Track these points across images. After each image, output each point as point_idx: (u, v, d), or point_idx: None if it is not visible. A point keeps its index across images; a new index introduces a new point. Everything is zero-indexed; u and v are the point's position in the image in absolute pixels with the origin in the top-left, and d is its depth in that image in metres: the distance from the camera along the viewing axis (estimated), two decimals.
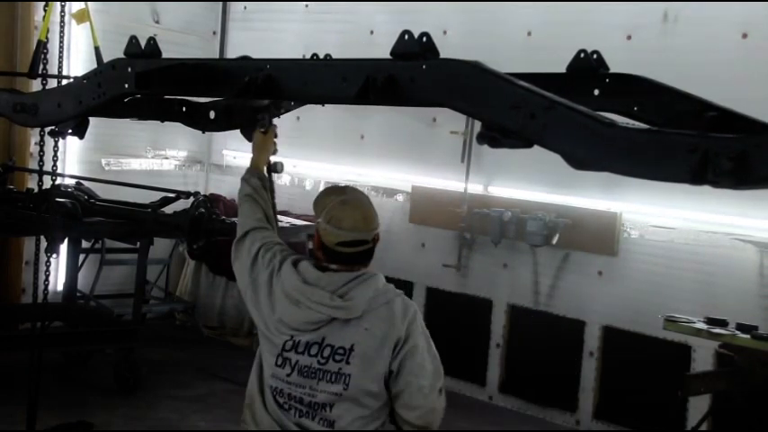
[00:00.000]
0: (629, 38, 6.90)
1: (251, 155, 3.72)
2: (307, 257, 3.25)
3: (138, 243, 7.24)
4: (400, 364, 3.08)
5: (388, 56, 2.66)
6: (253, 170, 3.64)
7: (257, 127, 3.69)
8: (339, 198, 3.19)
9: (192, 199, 6.81)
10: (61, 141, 4.57)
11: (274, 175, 3.81)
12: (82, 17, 7.38)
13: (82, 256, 7.80)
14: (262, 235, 3.37)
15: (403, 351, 3.10)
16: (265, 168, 3.75)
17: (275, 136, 3.78)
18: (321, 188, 8.95)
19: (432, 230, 8.09)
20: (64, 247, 7.25)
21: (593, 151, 2.24)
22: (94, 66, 5.43)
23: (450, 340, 8.09)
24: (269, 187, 3.63)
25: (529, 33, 7.48)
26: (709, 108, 2.82)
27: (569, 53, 3.08)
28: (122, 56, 3.39)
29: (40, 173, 4.88)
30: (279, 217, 8.91)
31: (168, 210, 6.90)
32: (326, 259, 3.15)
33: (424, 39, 2.59)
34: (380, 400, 3.10)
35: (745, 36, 6.38)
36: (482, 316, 7.79)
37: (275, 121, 3.79)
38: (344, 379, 3.05)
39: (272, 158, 3.80)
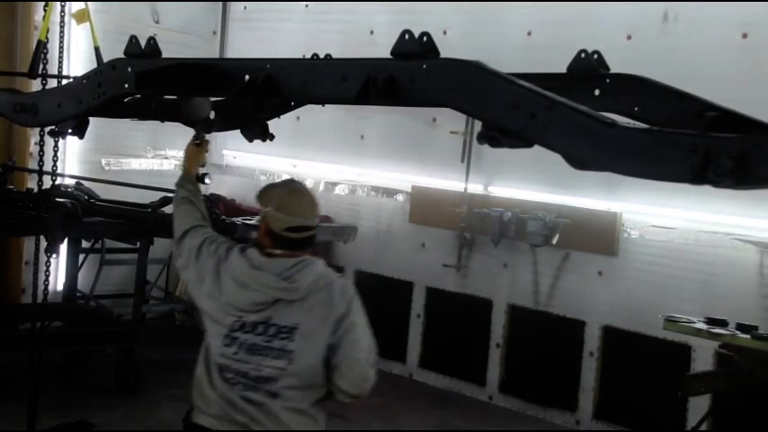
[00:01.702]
0: (629, 38, 6.90)
1: (184, 163, 4.04)
2: (251, 246, 3.50)
3: (138, 243, 7.24)
4: (339, 339, 3.34)
5: (388, 56, 2.66)
6: (186, 176, 3.93)
7: (192, 139, 3.97)
8: (287, 188, 3.52)
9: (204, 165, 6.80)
10: (61, 141, 4.57)
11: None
12: (82, 17, 7.37)
13: (82, 256, 7.80)
14: (202, 231, 3.66)
15: (342, 328, 3.36)
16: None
17: (206, 150, 4.08)
18: (321, 188, 9.03)
19: (431, 230, 8.08)
20: (64, 247, 7.25)
21: (593, 151, 2.24)
22: (94, 66, 5.43)
23: (450, 340, 8.11)
24: (200, 192, 3.89)
25: (529, 33, 7.48)
26: (709, 108, 2.82)
27: (569, 53, 3.09)
28: (122, 56, 3.39)
29: (40, 173, 4.88)
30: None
31: (168, 210, 6.90)
32: (272, 245, 3.41)
33: (425, 39, 2.59)
34: (320, 374, 3.35)
35: (745, 36, 6.38)
36: (482, 316, 7.79)
37: (275, 120, 3.78)
38: (288, 355, 3.32)
39: (201, 170, 4.07)
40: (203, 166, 4.04)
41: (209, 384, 3.42)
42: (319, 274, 3.41)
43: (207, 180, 4.11)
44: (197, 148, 3.99)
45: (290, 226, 3.40)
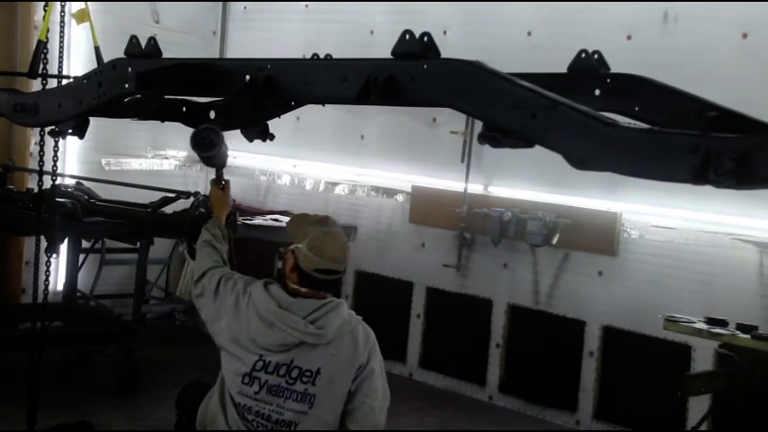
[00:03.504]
0: (629, 38, 6.90)
1: (214, 207, 4.16)
2: (273, 281, 3.53)
3: (138, 243, 7.23)
4: (358, 386, 3.41)
5: (388, 56, 2.66)
6: (215, 221, 4.00)
7: (214, 184, 4.09)
8: (323, 228, 3.51)
9: (191, 199, 6.80)
10: (61, 141, 4.57)
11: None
12: (82, 17, 7.37)
13: (82, 256, 7.79)
14: (220, 270, 3.70)
15: (362, 375, 3.42)
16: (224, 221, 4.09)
17: (229, 191, 4.18)
18: (321, 188, 9.03)
19: (431, 230, 8.08)
20: (64, 247, 7.24)
21: (594, 151, 2.25)
22: (94, 66, 5.44)
23: (449, 340, 8.10)
24: (229, 238, 3.94)
25: (529, 33, 7.47)
26: (709, 108, 2.82)
27: (570, 53, 3.09)
28: (122, 56, 3.39)
29: (40, 173, 4.87)
30: (279, 217, 8.92)
31: (168, 210, 6.90)
32: (299, 282, 3.44)
33: (425, 38, 2.60)
34: (338, 420, 3.40)
35: (745, 36, 6.38)
36: (482, 316, 7.79)
37: (275, 120, 3.79)
38: (310, 399, 3.35)
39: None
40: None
41: (224, 421, 3.42)
42: (344, 320, 3.42)
43: (238, 222, 4.30)
44: (221, 192, 4.07)
45: (319, 268, 3.40)
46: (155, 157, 9.53)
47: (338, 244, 3.49)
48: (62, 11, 5.35)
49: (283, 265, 3.52)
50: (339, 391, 3.38)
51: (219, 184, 4.07)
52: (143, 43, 3.36)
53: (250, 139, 3.78)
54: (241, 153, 9.43)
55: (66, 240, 7.04)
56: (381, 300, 8.48)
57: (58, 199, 6.27)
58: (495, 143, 2.47)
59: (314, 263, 3.39)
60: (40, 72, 5.11)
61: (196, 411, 3.72)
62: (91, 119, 3.76)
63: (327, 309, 3.38)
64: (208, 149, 3.73)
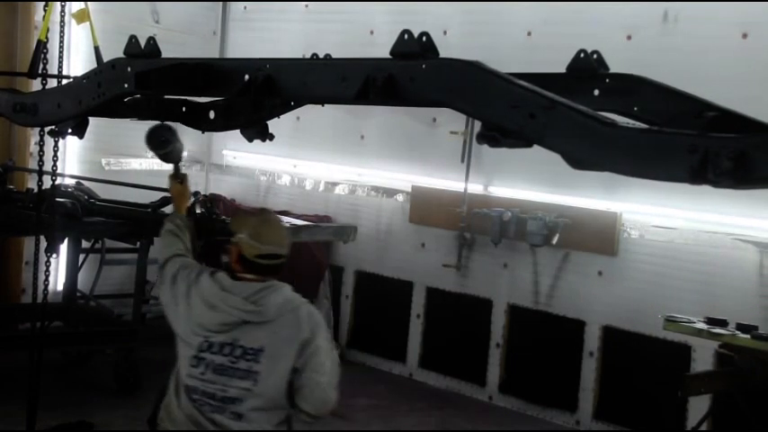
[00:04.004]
0: (629, 38, 6.90)
1: (172, 203, 4.24)
2: (222, 270, 3.67)
3: (138, 243, 7.23)
4: (304, 363, 3.48)
5: (388, 56, 2.65)
6: (176, 213, 4.14)
7: (174, 179, 4.17)
8: (260, 217, 3.75)
9: (192, 199, 6.80)
10: (61, 141, 4.57)
11: None
12: (82, 17, 7.37)
13: (82, 256, 7.79)
14: (181, 260, 3.80)
15: (307, 352, 3.49)
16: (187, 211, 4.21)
17: (188, 184, 4.27)
18: (321, 188, 9.03)
19: (431, 230, 8.08)
20: (64, 247, 7.24)
21: (593, 151, 2.24)
22: (94, 66, 5.43)
23: (450, 340, 8.10)
24: (191, 228, 4.05)
25: (529, 33, 7.48)
26: (709, 108, 2.82)
27: (569, 53, 3.09)
28: (122, 56, 3.39)
29: (40, 173, 4.88)
30: (278, 217, 8.89)
31: (168, 210, 6.90)
32: (243, 270, 3.59)
33: (424, 38, 2.59)
34: (284, 396, 3.49)
35: (745, 36, 6.38)
36: (482, 316, 7.79)
37: (275, 120, 3.78)
38: (254, 376, 3.46)
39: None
40: (194, 196, 4.33)
41: (177, 406, 3.57)
42: (286, 299, 3.57)
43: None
44: (181, 186, 4.18)
45: (261, 253, 3.56)
46: (155, 157, 9.51)
47: (276, 230, 3.69)
48: (62, 11, 5.37)
49: (229, 258, 3.67)
50: (282, 367, 3.47)
51: (177, 178, 4.18)
52: (143, 43, 3.36)
53: (250, 139, 3.77)
54: (241, 153, 9.46)
55: (66, 240, 7.04)
56: (381, 300, 8.49)
57: (57, 199, 6.28)
58: (494, 143, 2.47)
59: (255, 249, 3.55)
60: (39, 72, 5.12)
61: None
62: (91, 119, 3.76)
63: (268, 290, 3.53)
64: (163, 147, 3.95)
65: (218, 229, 6.61)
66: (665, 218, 6.76)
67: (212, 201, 7.21)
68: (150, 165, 9.45)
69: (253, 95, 3.02)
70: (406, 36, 2.61)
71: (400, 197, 8.36)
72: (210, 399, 3.49)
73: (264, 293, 3.52)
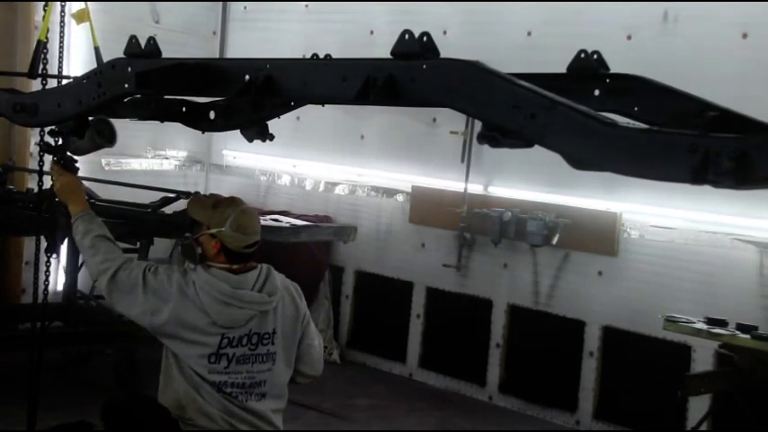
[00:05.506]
0: (629, 38, 6.90)
1: (66, 201, 4.03)
2: (199, 264, 3.70)
3: (138, 243, 7.23)
4: (303, 333, 3.84)
5: (388, 56, 2.65)
6: (82, 211, 3.91)
7: (60, 170, 3.94)
8: (239, 208, 3.75)
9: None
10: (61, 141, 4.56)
11: None
12: (82, 17, 7.37)
13: (82, 257, 7.78)
14: (137, 264, 3.78)
15: (304, 322, 3.86)
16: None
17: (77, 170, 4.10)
18: (321, 188, 9.02)
19: (431, 230, 8.08)
20: (64, 247, 7.24)
21: (593, 151, 2.24)
22: (94, 66, 5.43)
23: (450, 340, 8.10)
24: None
25: (529, 33, 7.48)
26: (709, 108, 2.82)
27: (569, 53, 3.08)
28: (122, 56, 3.38)
29: (40, 173, 4.87)
30: (279, 217, 8.91)
31: (168, 210, 6.90)
32: (228, 261, 3.68)
33: (425, 38, 2.59)
34: (288, 378, 3.85)
35: (745, 36, 6.38)
36: (482, 316, 7.79)
37: (275, 120, 3.78)
38: (272, 357, 3.73)
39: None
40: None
41: (206, 402, 3.63)
42: (279, 279, 3.78)
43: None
44: (70, 176, 3.97)
45: (248, 244, 3.68)
46: (155, 157, 9.53)
47: (253, 218, 3.81)
48: (62, 11, 5.35)
49: (203, 251, 3.70)
50: (291, 343, 3.78)
51: (66, 167, 3.99)
52: (143, 43, 3.36)
53: (250, 140, 3.77)
54: (241, 153, 9.46)
55: (66, 240, 7.03)
56: (381, 300, 8.48)
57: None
58: (495, 143, 2.47)
59: (242, 241, 3.66)
60: (39, 72, 5.12)
61: (124, 422, 4.05)
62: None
63: (265, 275, 3.70)
64: (102, 138, 4.03)
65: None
66: (665, 218, 6.76)
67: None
68: (150, 165, 9.48)
69: (253, 95, 3.02)
70: (406, 36, 2.61)
71: (400, 197, 8.36)
72: (240, 388, 3.66)
73: (264, 280, 3.68)
